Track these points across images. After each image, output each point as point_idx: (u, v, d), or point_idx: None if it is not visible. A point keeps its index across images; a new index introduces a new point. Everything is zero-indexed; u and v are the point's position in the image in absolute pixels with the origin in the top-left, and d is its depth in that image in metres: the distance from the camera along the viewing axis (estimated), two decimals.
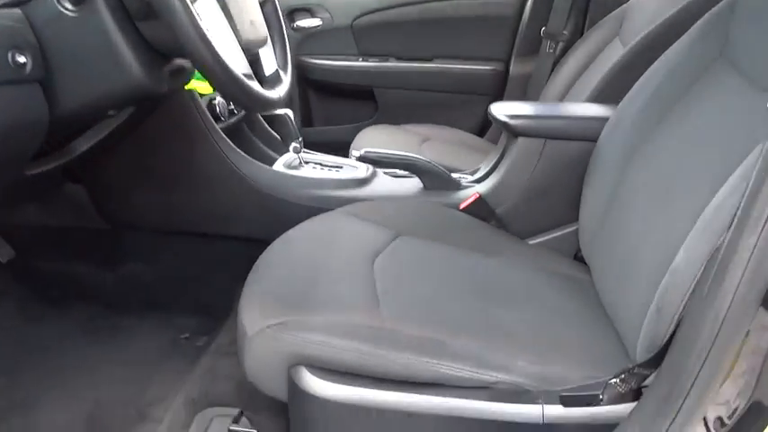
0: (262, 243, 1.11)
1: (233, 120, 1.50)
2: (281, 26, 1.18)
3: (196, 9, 0.84)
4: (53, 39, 0.87)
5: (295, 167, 1.45)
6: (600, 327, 1.00)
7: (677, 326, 0.72)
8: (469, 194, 1.36)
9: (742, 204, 0.61)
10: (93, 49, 0.89)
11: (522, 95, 2.14)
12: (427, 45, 2.19)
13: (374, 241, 1.10)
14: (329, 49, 2.21)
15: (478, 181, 1.42)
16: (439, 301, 0.94)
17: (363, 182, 1.42)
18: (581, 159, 1.28)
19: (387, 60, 2.20)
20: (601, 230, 1.13)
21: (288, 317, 0.86)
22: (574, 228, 1.33)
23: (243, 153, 1.39)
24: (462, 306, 0.94)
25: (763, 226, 0.56)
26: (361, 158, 1.41)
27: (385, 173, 1.49)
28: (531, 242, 1.35)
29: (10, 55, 0.81)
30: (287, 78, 1.11)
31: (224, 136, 1.37)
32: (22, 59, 0.83)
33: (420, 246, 1.12)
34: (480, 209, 1.34)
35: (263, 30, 1.04)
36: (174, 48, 0.93)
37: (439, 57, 2.21)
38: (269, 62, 1.07)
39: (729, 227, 0.67)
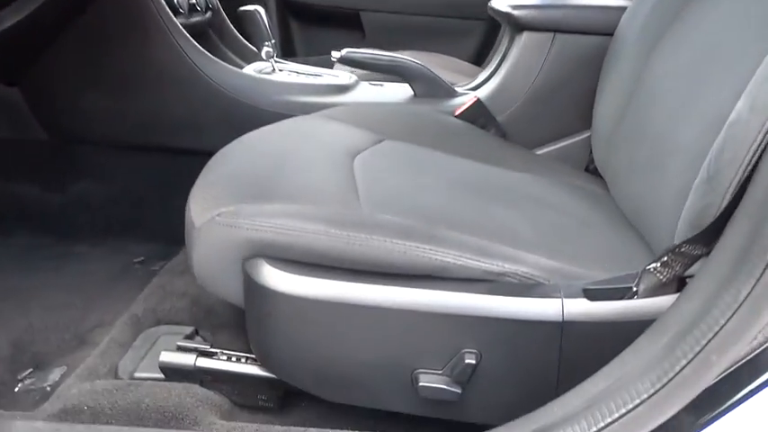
0: None
1: (196, 18, 1.32)
2: None
3: None
4: None
5: (267, 74, 1.27)
6: (621, 230, 0.84)
7: (739, 187, 0.56)
8: (466, 101, 1.19)
9: None
10: None
11: None
12: None
13: (356, 141, 0.92)
14: None
15: (476, 88, 1.25)
16: (431, 197, 0.77)
17: (344, 88, 1.25)
18: (594, 56, 1.13)
19: None
20: (620, 130, 0.97)
21: (243, 203, 0.69)
22: (584, 136, 1.17)
23: (206, 52, 1.21)
24: (461, 203, 0.77)
25: None
26: (343, 60, 1.23)
27: (371, 84, 1.31)
28: (537, 152, 1.18)
29: None
30: None
31: (183, 31, 1.19)
32: None
33: (410, 149, 0.95)
34: (479, 114, 1.17)
35: None
36: None
37: None
38: None
39: None
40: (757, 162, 0.55)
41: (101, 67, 1.18)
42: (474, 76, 1.79)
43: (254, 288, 0.65)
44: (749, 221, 0.46)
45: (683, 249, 0.58)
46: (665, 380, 0.45)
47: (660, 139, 0.80)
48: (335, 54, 1.25)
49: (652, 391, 0.45)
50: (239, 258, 0.67)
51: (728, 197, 0.57)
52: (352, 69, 1.32)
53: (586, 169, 1.16)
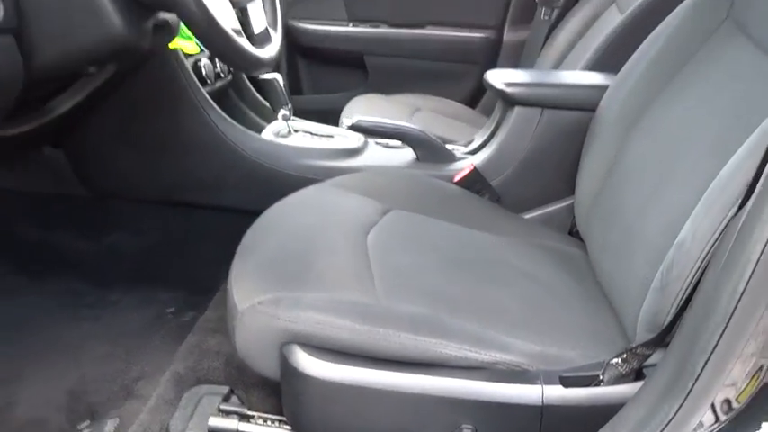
0: (249, 214, 1.07)
1: (219, 84, 1.45)
2: None
3: None
4: None
5: (284, 136, 1.41)
6: (596, 305, 0.97)
7: (683, 303, 0.70)
8: (464, 166, 1.33)
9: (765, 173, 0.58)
10: None
11: (516, 65, 2.09)
12: (419, 11, 2.13)
13: (366, 215, 1.06)
14: (319, 13, 2.14)
15: (473, 152, 1.39)
16: (434, 278, 0.90)
17: (354, 152, 1.38)
18: (579, 129, 1.25)
19: (377, 26, 2.14)
20: (598, 204, 1.10)
21: (280, 292, 0.83)
22: (569, 202, 1.30)
23: (230, 119, 1.34)
24: (458, 282, 0.91)
25: None
26: (353, 128, 1.36)
27: (377, 143, 1.44)
28: (525, 216, 1.32)
29: None
30: (277, 37, 1.06)
31: (210, 100, 1.32)
32: None
33: (413, 220, 1.08)
34: (475, 181, 1.31)
35: None
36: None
37: (430, 23, 2.15)
38: (258, 19, 1.02)
39: (746, 198, 0.65)
40: (698, 281, 0.70)
41: (135, 132, 1.31)
42: (468, 120, 1.94)
43: (289, 370, 0.79)
44: (680, 347, 0.61)
45: (638, 350, 0.72)
46: None
47: (627, 230, 0.94)
48: (346, 121, 1.38)
49: None
50: (277, 343, 0.81)
51: (675, 310, 0.71)
52: None
53: (570, 232, 1.30)
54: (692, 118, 0.92)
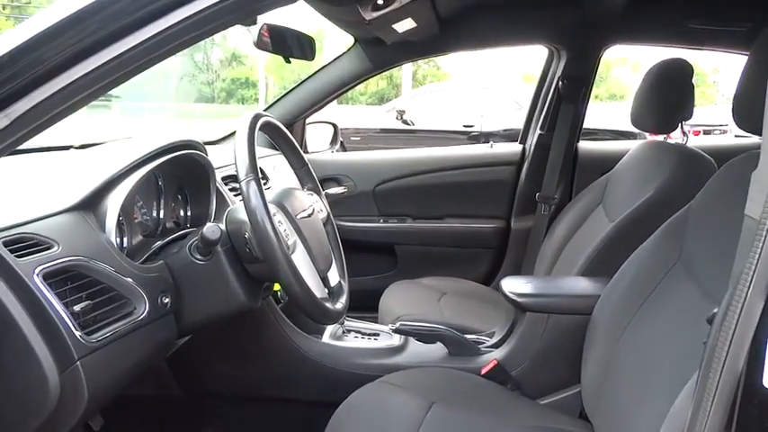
0: (314, 404, 1.36)
1: (288, 298, 1.80)
2: (339, 243, 1.51)
3: (293, 258, 1.16)
4: (184, 279, 1.18)
5: (339, 337, 1.73)
6: None
7: None
8: (488, 360, 1.64)
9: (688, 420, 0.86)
10: (212, 284, 1.20)
11: (523, 249, 2.47)
12: (439, 206, 2.55)
13: (414, 413, 1.35)
14: (354, 211, 2.55)
15: (495, 346, 1.70)
16: None
17: (398, 350, 1.70)
18: (579, 329, 1.54)
19: (404, 221, 2.56)
20: (599, 397, 1.38)
21: None
22: (578, 389, 1.58)
23: (297, 329, 1.68)
24: None
25: None
26: (397, 331, 1.69)
27: (417, 340, 1.76)
28: (542, 402, 1.60)
29: (160, 298, 1.12)
30: (346, 285, 1.42)
31: (283, 316, 1.67)
32: (166, 300, 1.13)
33: (450, 417, 1.37)
34: (498, 373, 1.61)
35: (330, 257, 1.37)
36: (271, 277, 1.24)
37: (449, 216, 2.56)
38: (333, 276, 1.39)
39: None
40: None
41: (227, 345, 1.64)
42: (486, 298, 2.26)
43: None
44: None
45: None
46: None
47: (625, 420, 1.20)
48: (391, 326, 1.71)
49: None
50: None
51: None
52: None
53: (580, 415, 1.57)
54: (659, 341, 1.23)
